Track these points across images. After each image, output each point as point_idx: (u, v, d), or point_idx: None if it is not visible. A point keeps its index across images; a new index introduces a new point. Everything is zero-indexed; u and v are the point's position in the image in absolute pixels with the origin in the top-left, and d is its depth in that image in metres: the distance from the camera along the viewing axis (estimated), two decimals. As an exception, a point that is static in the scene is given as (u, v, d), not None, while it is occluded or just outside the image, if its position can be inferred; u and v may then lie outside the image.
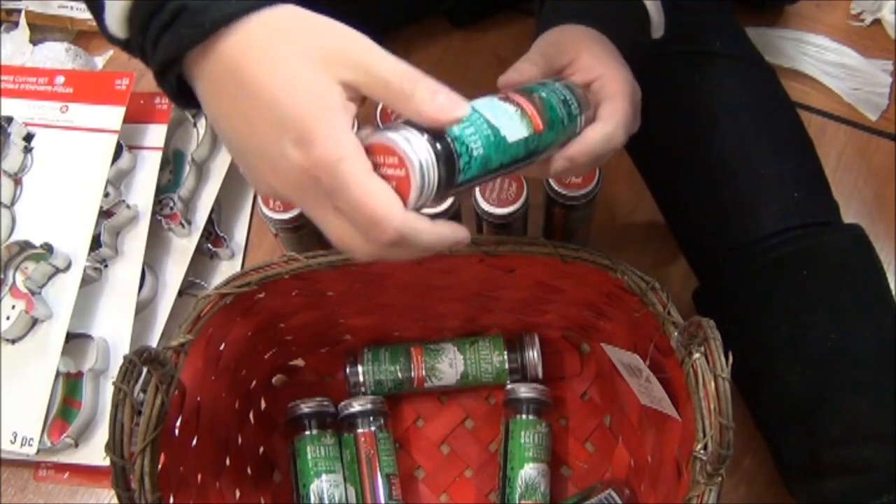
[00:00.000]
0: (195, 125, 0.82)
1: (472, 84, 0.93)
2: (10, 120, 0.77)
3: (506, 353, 0.68)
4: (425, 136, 0.38)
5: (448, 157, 0.39)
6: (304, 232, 0.66)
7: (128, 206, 0.74)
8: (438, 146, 0.38)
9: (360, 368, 0.69)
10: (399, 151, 0.37)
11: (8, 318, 0.70)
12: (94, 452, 0.70)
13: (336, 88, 0.37)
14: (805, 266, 0.59)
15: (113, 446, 0.45)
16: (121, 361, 0.46)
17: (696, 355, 0.48)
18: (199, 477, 0.57)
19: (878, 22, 0.85)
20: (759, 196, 0.62)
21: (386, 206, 0.36)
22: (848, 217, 0.65)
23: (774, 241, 0.60)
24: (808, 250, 0.60)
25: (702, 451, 0.47)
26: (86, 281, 0.72)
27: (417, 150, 0.37)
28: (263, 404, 0.69)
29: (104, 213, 0.74)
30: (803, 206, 0.61)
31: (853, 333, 0.58)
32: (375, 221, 0.36)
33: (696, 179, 0.64)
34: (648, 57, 0.60)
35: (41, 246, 0.71)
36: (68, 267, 0.72)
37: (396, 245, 0.38)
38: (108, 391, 0.71)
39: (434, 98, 0.38)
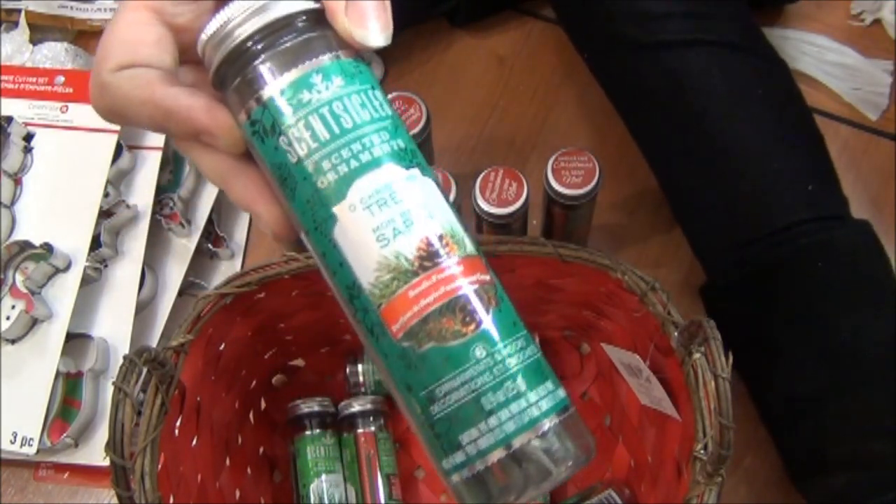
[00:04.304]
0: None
1: (472, 84, 0.93)
2: (10, 120, 0.77)
3: (506, 352, 0.68)
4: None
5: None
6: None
7: (128, 206, 0.74)
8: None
9: (360, 368, 0.69)
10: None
11: (8, 318, 0.70)
12: (94, 452, 0.70)
13: None
14: (818, 260, 0.59)
15: (113, 446, 0.45)
16: (121, 361, 0.46)
17: (696, 355, 0.48)
18: (199, 477, 0.57)
19: (878, 22, 0.85)
20: (772, 189, 0.62)
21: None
22: (848, 217, 0.65)
23: (788, 235, 0.60)
24: (822, 244, 0.60)
25: (702, 451, 0.47)
26: (86, 281, 0.72)
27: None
28: (263, 404, 0.69)
29: (104, 213, 0.74)
30: (816, 199, 0.61)
31: (865, 328, 0.58)
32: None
33: (709, 172, 0.64)
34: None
35: (41, 246, 0.71)
36: (68, 267, 0.72)
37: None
38: (108, 391, 0.71)
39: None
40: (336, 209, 0.31)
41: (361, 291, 0.31)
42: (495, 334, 0.31)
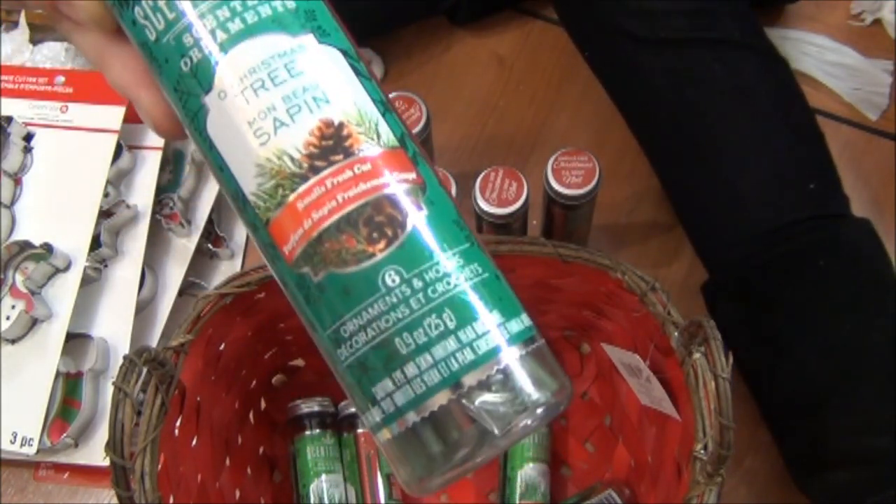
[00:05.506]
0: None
1: (472, 84, 0.93)
2: (10, 120, 0.77)
3: (506, 352, 0.68)
4: None
5: None
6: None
7: (128, 206, 0.74)
8: None
9: (360, 368, 0.68)
10: None
11: (8, 318, 0.70)
12: (94, 452, 0.70)
13: None
14: (821, 257, 0.59)
15: (113, 446, 0.45)
16: (121, 361, 0.46)
17: (696, 355, 0.48)
18: (199, 477, 0.57)
19: (878, 22, 0.85)
20: (776, 186, 0.62)
21: None
22: (848, 217, 0.65)
23: (791, 232, 0.60)
24: (825, 241, 0.60)
25: (702, 451, 0.47)
26: (86, 281, 0.72)
27: None
28: (263, 404, 0.69)
29: (104, 213, 0.74)
30: (819, 197, 0.61)
31: (867, 325, 0.58)
32: None
33: (710, 169, 0.64)
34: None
35: (41, 246, 0.71)
36: (68, 267, 0.72)
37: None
38: (108, 391, 0.71)
39: None
40: (205, 98, 0.24)
41: (246, 203, 0.25)
42: (416, 252, 0.24)
